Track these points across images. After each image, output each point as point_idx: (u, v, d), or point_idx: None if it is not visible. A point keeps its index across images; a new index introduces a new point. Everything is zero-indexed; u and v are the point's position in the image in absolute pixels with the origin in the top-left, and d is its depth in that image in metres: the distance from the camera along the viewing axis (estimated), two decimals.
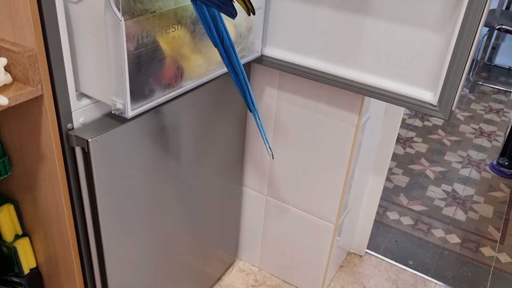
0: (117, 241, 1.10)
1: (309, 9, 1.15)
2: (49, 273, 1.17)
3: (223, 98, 1.30)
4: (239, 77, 0.97)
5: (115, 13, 0.79)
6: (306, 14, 1.16)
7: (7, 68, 0.84)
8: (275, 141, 1.46)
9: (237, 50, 0.95)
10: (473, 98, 3.35)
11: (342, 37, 1.13)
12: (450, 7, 0.98)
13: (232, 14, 0.88)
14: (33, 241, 1.14)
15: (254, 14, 0.90)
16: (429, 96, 1.08)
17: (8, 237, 1.11)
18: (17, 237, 1.13)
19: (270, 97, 1.41)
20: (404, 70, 1.09)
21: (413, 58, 1.07)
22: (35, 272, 1.17)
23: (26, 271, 1.15)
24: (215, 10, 0.89)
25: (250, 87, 1.01)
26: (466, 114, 3.12)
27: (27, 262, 1.15)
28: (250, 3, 0.89)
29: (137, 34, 0.85)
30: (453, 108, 1.07)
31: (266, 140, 1.08)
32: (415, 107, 1.10)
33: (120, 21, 0.80)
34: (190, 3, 0.89)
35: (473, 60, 0.99)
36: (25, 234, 1.14)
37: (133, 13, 0.84)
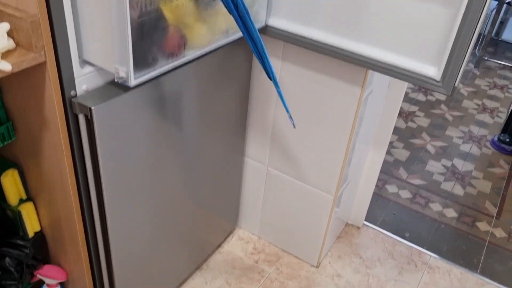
0: (120, 206, 1.12)
1: None
2: (53, 237, 1.20)
3: (226, 68, 1.29)
4: (257, 44, 0.97)
5: None
6: None
7: (9, 34, 0.83)
8: (277, 112, 1.46)
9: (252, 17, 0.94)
10: (478, 73, 3.32)
11: (347, 8, 1.12)
12: None
13: None
14: (37, 206, 1.16)
15: None
16: (433, 71, 1.08)
17: (13, 201, 1.13)
18: (21, 201, 1.15)
19: (274, 69, 1.40)
20: (409, 44, 1.08)
21: (419, 32, 1.06)
22: (40, 235, 1.20)
23: (30, 234, 1.18)
24: None
25: (267, 55, 1.00)
26: (470, 89, 3.10)
27: (32, 225, 1.17)
28: None
29: (140, 1, 0.84)
30: (456, 84, 1.07)
31: (287, 108, 1.09)
32: (418, 82, 1.10)
33: None
34: None
35: (479, 34, 0.98)
36: (29, 198, 1.16)
37: None
